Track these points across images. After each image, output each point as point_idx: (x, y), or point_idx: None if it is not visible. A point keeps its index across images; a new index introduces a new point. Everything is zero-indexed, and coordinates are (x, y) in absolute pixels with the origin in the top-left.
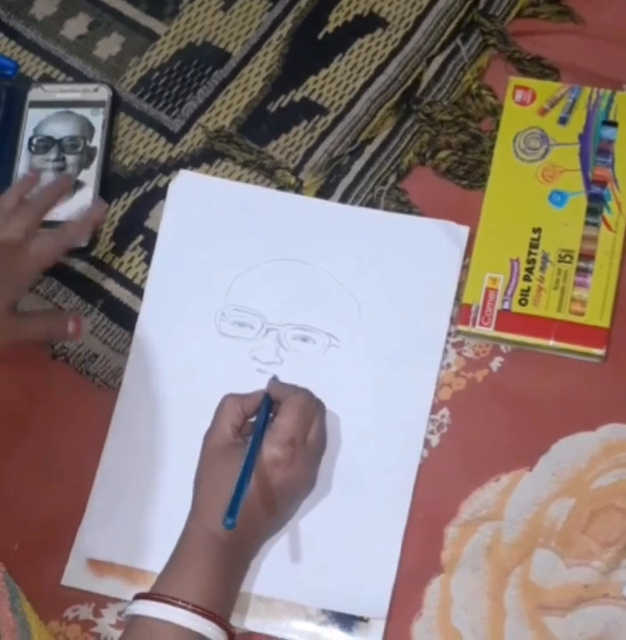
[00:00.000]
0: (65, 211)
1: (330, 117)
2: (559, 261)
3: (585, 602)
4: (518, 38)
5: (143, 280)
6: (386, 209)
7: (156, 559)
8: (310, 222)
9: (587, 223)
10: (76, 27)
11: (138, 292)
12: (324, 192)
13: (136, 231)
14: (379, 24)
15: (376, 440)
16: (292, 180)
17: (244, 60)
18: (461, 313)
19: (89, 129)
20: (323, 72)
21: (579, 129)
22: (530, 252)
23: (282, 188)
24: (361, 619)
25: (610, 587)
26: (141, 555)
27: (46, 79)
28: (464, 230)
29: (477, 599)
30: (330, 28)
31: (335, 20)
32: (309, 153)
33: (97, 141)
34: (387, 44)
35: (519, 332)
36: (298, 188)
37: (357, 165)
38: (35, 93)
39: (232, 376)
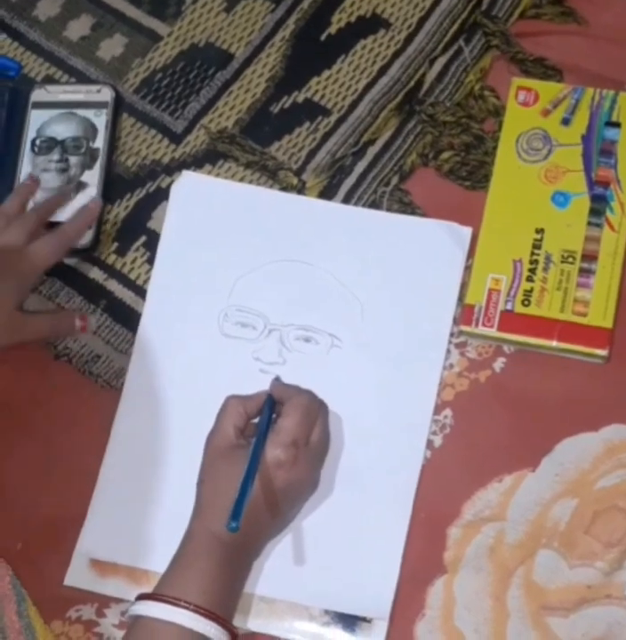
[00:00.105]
0: (68, 211)
1: (333, 118)
2: (562, 262)
3: (588, 602)
4: (521, 39)
5: (146, 281)
6: (389, 210)
7: (158, 559)
8: (313, 223)
9: (590, 224)
10: (78, 28)
11: (140, 292)
12: (326, 193)
13: (139, 232)
14: (381, 25)
15: (379, 440)
16: (295, 181)
17: (247, 62)
18: (464, 313)
19: (92, 130)
20: (325, 73)
21: (582, 130)
22: (533, 253)
23: (285, 188)
24: (364, 619)
25: (613, 587)
26: (144, 555)
27: (49, 80)
28: (467, 231)
29: (479, 600)
30: (333, 29)
31: (338, 21)
32: (312, 154)
33: (100, 142)
34: (389, 46)
35: (522, 332)
36: (300, 189)
37: (360, 166)
38: (38, 94)
39: (235, 377)
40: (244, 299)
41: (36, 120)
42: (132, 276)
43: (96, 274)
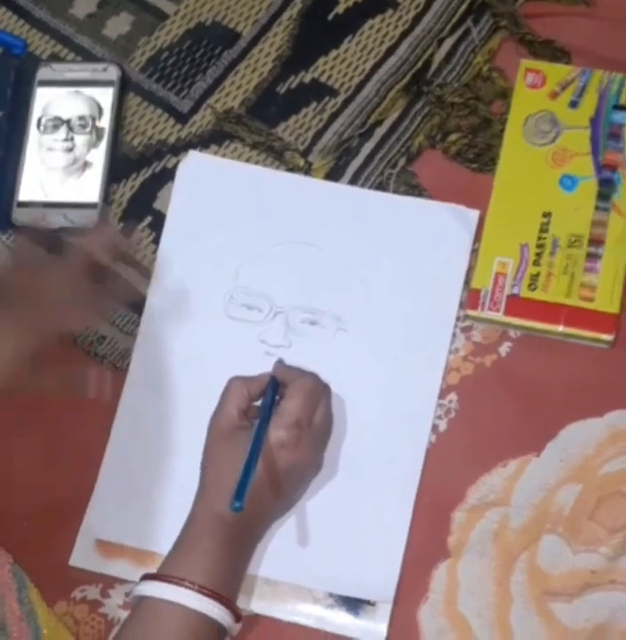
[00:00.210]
0: (74, 190)
1: (340, 99)
2: (569, 246)
3: (592, 588)
4: (530, 20)
5: (151, 261)
6: (395, 192)
7: (163, 541)
8: (319, 205)
9: (597, 208)
10: (85, 5)
11: (146, 273)
12: (333, 174)
13: (144, 212)
14: (389, 5)
15: (384, 424)
16: (302, 162)
17: (254, 41)
18: (470, 297)
19: (98, 109)
20: (333, 53)
21: (590, 113)
22: (540, 237)
23: (291, 169)
24: (368, 602)
25: (617, 573)
26: (149, 536)
27: (55, 58)
28: (474, 214)
29: (483, 584)
30: (340, 8)
31: (346, 0)
32: (319, 135)
33: (106, 121)
34: (397, 26)
35: (528, 317)
36: (307, 170)
37: (367, 148)
38: (43, 72)
39: (240, 359)
40: (249, 281)
41: (41, 98)
42: (138, 257)
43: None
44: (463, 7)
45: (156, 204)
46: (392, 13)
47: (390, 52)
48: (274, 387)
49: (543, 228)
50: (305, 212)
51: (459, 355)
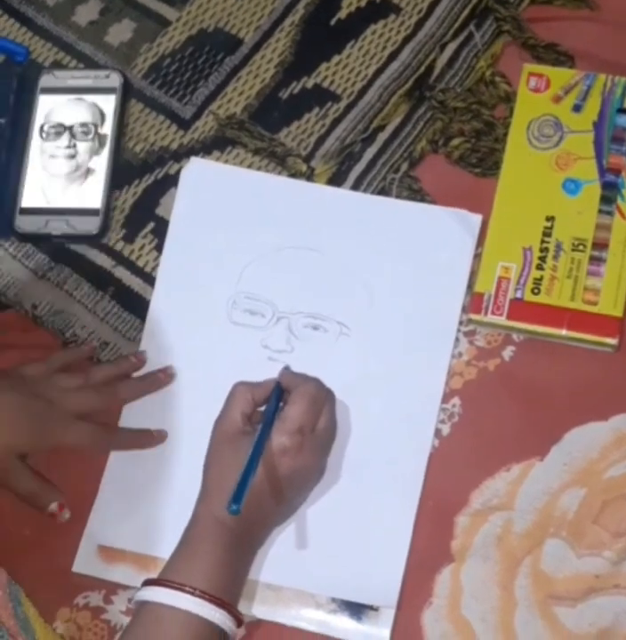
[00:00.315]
0: (76, 197)
1: (342, 104)
2: (573, 250)
3: (596, 592)
4: (533, 24)
5: (154, 268)
6: (398, 197)
7: (166, 546)
8: (322, 210)
9: (601, 211)
10: (87, 13)
11: (149, 279)
12: (335, 179)
13: (147, 218)
14: (392, 10)
15: (387, 429)
16: (304, 168)
17: (257, 47)
18: (473, 302)
19: (100, 116)
20: (335, 58)
21: (593, 116)
22: (543, 241)
23: (293, 175)
24: (371, 607)
25: (621, 577)
26: (151, 541)
27: (57, 65)
28: (477, 218)
29: (487, 589)
30: (343, 14)
31: (348, 5)
32: (321, 140)
33: (108, 128)
34: (400, 31)
35: (532, 321)
36: (309, 176)
37: (370, 153)
38: (46, 80)
39: (243, 364)
40: (252, 286)
41: (44, 106)
42: (141, 263)
43: (104, 261)
44: (466, 12)
45: (159, 211)
46: (394, 18)
47: (393, 57)
48: (278, 393)
49: (547, 232)
50: (308, 218)
51: (462, 359)
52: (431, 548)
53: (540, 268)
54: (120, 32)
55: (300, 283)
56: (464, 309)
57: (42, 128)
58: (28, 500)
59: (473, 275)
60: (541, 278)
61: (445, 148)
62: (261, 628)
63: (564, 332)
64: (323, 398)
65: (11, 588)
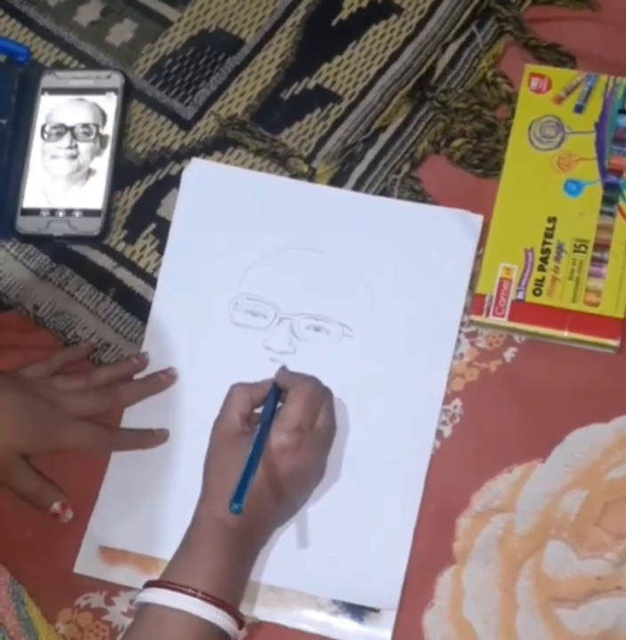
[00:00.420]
0: (78, 198)
1: (344, 105)
2: (574, 251)
3: (598, 594)
4: (535, 25)
5: (155, 269)
6: (400, 197)
7: (167, 547)
8: (323, 211)
9: (602, 212)
10: (88, 13)
11: (150, 280)
12: (337, 180)
13: (148, 219)
14: (393, 11)
15: (388, 430)
16: (305, 169)
17: (258, 47)
18: (475, 303)
19: (101, 116)
20: (337, 59)
21: (595, 117)
22: (545, 242)
23: (295, 176)
24: (372, 609)
25: (623, 579)
26: (153, 542)
27: (59, 66)
28: (478, 219)
29: (488, 591)
30: (344, 14)
31: (349, 6)
32: (323, 141)
33: (109, 129)
34: (401, 31)
35: (533, 322)
36: (311, 177)
37: (371, 154)
38: (47, 80)
39: (245, 365)
40: (254, 287)
41: (45, 106)
42: (142, 264)
43: (105, 262)
44: (467, 12)
45: (160, 211)
46: (396, 19)
47: (394, 57)
48: (276, 392)
49: (548, 233)
50: (309, 218)
51: (463, 360)
52: (433, 549)
53: (541, 269)
54: (121, 32)
55: (301, 284)
56: (466, 310)
57: (43, 128)
58: (30, 501)
59: (474, 276)
60: (542, 279)
61: (446, 149)
62: (263, 630)
63: (565, 333)
64: (320, 396)
65: (13, 588)
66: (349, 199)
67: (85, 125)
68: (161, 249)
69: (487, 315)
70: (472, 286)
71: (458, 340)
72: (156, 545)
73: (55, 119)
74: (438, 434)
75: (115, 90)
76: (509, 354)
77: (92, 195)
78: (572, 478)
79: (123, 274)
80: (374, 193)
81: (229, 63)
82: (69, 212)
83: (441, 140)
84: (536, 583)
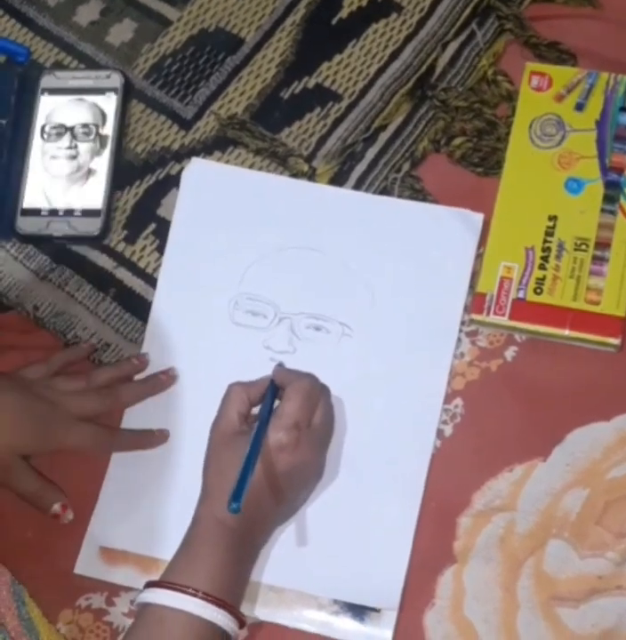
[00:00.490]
0: (78, 198)
1: (344, 104)
2: (575, 250)
3: (598, 593)
4: (535, 23)
5: (155, 269)
6: (400, 196)
7: (168, 547)
8: (324, 210)
9: (603, 211)
10: (88, 13)
11: (150, 280)
12: (337, 179)
13: (148, 219)
14: (393, 9)
15: (389, 429)
16: (306, 168)
17: (258, 46)
18: (476, 302)
19: (101, 116)
20: (337, 58)
21: (596, 115)
22: (545, 241)
23: (295, 175)
24: (373, 608)
25: (624, 578)
26: (153, 542)
27: (58, 66)
28: (479, 218)
29: (489, 590)
30: (344, 13)
31: (349, 5)
32: (323, 140)
33: (109, 129)
34: (401, 30)
35: (534, 321)
36: (311, 176)
37: (371, 152)
38: (47, 80)
39: (245, 365)
40: (254, 287)
41: (45, 106)
42: (142, 264)
43: (105, 262)
44: (468, 10)
45: (160, 211)
46: (396, 17)
47: (394, 56)
48: (273, 390)
49: (549, 232)
50: (309, 218)
51: (464, 359)
52: (434, 549)
53: (542, 267)
54: (121, 32)
55: (302, 283)
56: (466, 309)
57: (43, 129)
58: (30, 501)
59: (475, 275)
60: (543, 278)
61: (446, 148)
62: (264, 630)
63: (566, 332)
64: (317, 393)
65: (14, 588)
66: (350, 198)
67: (85, 125)
68: (161, 249)
69: (488, 314)
70: (473, 285)
71: (459, 339)
72: (156, 545)
73: (55, 119)
74: (439, 433)
75: (114, 90)
76: (509, 353)
77: (92, 195)
78: (573, 477)
79: (123, 274)
80: (375, 192)
81: (229, 62)
82: (69, 212)
83: (441, 139)
84: (537, 582)
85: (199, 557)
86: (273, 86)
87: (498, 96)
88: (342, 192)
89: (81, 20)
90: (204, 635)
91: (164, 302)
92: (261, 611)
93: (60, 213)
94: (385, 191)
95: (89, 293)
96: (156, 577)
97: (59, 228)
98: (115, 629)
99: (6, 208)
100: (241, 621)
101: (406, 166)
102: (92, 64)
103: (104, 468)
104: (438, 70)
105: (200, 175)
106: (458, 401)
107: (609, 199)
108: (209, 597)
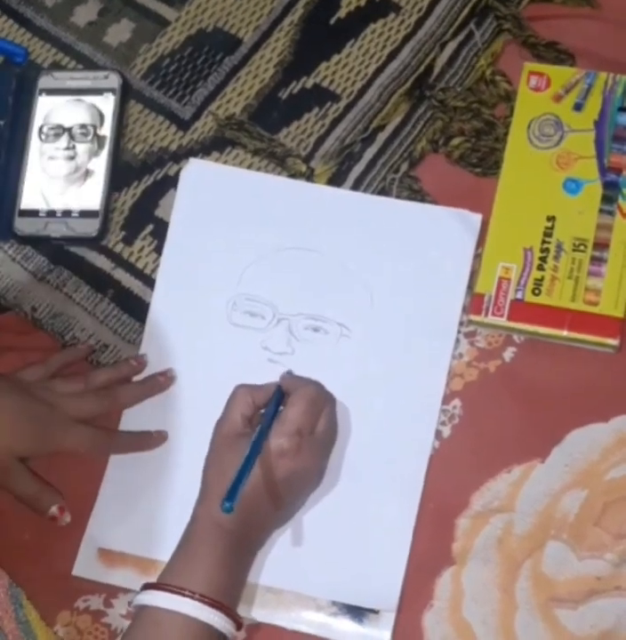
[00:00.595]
0: (75, 199)
1: (342, 104)
2: (574, 250)
3: (597, 594)
4: (533, 23)
5: (153, 270)
6: (398, 197)
7: (166, 549)
8: (322, 210)
9: (602, 211)
10: (86, 13)
11: (148, 282)
12: (335, 180)
13: (146, 220)
14: (391, 9)
15: (387, 430)
16: (304, 168)
17: (256, 47)
18: (474, 302)
19: (99, 117)
20: (335, 58)
21: (594, 115)
22: (544, 241)
23: (293, 175)
24: (371, 610)
25: (622, 579)
26: (152, 544)
27: (56, 66)
28: (477, 218)
29: (488, 591)
30: (342, 13)
31: (347, 4)
32: (321, 140)
33: (107, 129)
34: (399, 30)
35: (532, 322)
36: (309, 176)
37: (369, 153)
38: (45, 81)
39: (243, 366)
40: (252, 287)
41: (43, 107)
42: (140, 265)
43: (103, 263)
44: (466, 10)
45: (158, 212)
46: (394, 17)
47: (393, 56)
48: (279, 396)
49: (547, 232)
50: (307, 218)
51: (463, 360)
52: (432, 550)
53: (540, 268)
54: (119, 32)
55: (300, 284)
56: (464, 310)
57: (41, 129)
58: (28, 503)
59: (473, 275)
60: (541, 279)
61: (445, 148)
62: (261, 631)
63: (565, 332)
64: (322, 401)
65: (12, 591)
66: (348, 199)
67: (83, 126)
68: (159, 250)
69: (486, 314)
70: (471, 286)
71: (457, 340)
72: (154, 547)
73: (53, 120)
74: (437, 434)
75: (112, 90)
76: (508, 353)
77: (90, 196)
78: (571, 478)
79: (121, 275)
80: (373, 192)
81: (227, 63)
82: (67, 213)
83: (440, 139)
84: (535, 583)
85: (196, 559)
86: (271, 86)
87: (496, 96)
88: (340, 192)
89: (79, 20)
90: (200, 636)
91: (162, 303)
92: (259, 612)
93: (58, 214)
94: (383, 191)
95: (87, 294)
96: (154, 578)
97: (57, 229)
98: (113, 631)
99: (4, 209)
100: (238, 623)
101: (405, 166)
102: (89, 64)
103: (102, 470)
104: (437, 70)
105: (198, 176)
106: (456, 402)
107: (607, 199)
108: (206, 599)
